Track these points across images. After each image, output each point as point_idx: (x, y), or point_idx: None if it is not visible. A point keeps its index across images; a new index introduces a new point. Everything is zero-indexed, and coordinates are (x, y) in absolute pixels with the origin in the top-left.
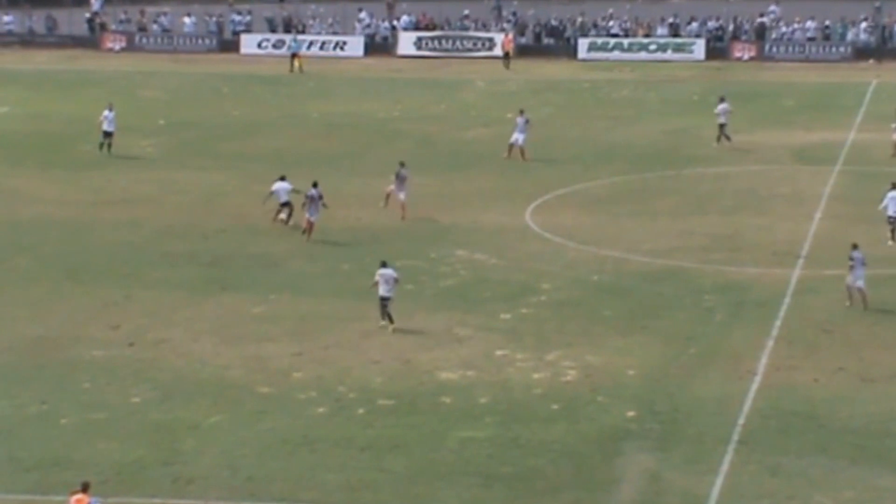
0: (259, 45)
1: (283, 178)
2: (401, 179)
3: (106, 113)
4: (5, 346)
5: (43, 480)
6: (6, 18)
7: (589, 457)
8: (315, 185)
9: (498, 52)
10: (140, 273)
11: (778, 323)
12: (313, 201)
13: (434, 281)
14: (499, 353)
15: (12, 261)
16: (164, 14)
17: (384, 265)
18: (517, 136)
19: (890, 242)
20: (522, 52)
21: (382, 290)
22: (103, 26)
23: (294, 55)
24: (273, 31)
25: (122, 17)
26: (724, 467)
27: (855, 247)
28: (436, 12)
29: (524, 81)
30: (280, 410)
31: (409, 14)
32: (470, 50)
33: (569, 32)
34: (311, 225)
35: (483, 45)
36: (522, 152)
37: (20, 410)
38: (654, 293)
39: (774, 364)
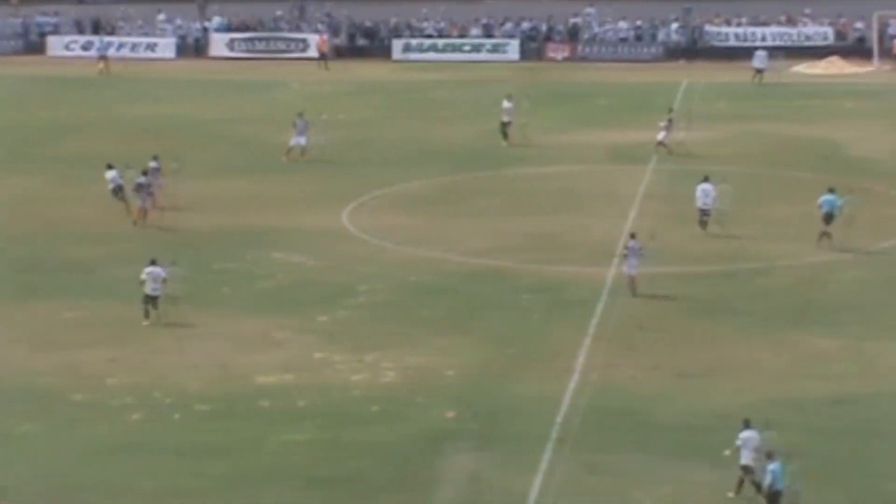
0: (67, 47)
1: (110, 167)
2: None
3: None
4: None
5: None
6: None
7: (409, 458)
8: (145, 172)
9: (312, 52)
10: None
11: (595, 321)
12: (143, 188)
13: (251, 283)
14: (317, 355)
15: None
16: None
17: (153, 263)
18: (298, 139)
19: (700, 230)
20: (338, 53)
21: (149, 289)
22: None
23: (102, 57)
24: (81, 32)
25: None
26: (543, 465)
27: (633, 236)
28: (248, 14)
29: (340, 82)
30: (95, 417)
31: (220, 15)
32: (283, 51)
33: (383, 33)
34: (144, 211)
35: (297, 46)
36: (303, 153)
37: None
38: (473, 293)
39: (592, 362)
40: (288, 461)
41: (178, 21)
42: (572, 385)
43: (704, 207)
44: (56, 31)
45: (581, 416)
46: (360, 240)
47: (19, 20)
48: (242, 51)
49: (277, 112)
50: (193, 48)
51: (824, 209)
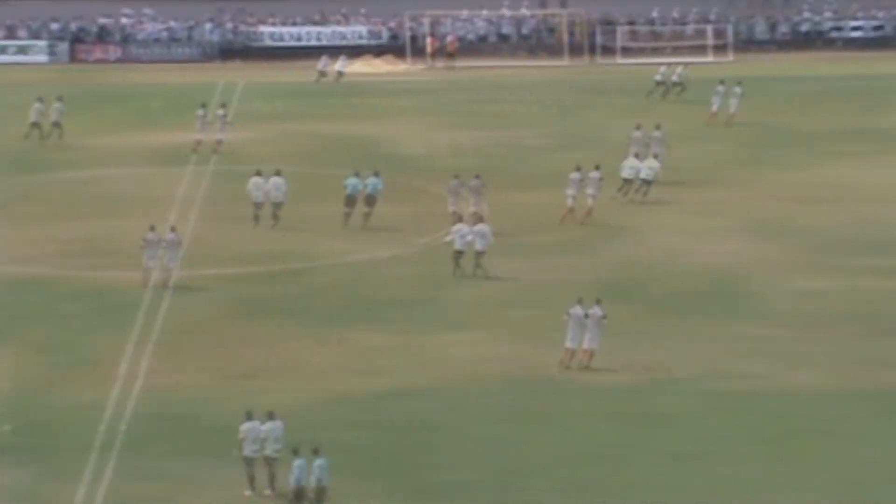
0: None
1: None
2: None
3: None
4: None
5: None
6: None
7: None
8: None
9: None
10: None
11: (138, 326)
12: None
13: None
14: None
15: None
16: None
17: None
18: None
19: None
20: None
21: None
22: None
23: None
24: None
25: None
26: (87, 475)
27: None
28: None
29: None
30: None
31: None
32: None
33: None
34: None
35: None
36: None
37: None
38: (14, 302)
39: (137, 368)
40: None
41: None
42: (116, 392)
43: (258, 202)
44: None
45: (127, 423)
46: None
47: None
48: None
49: None
50: None
51: (347, 191)
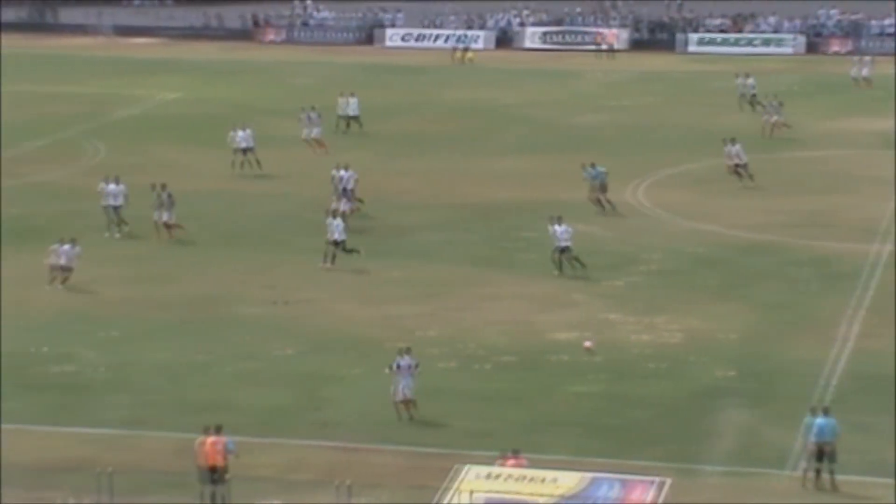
0: (402, 39)
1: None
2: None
3: (240, 132)
4: (174, 302)
5: (204, 421)
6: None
7: (688, 412)
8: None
9: (608, 45)
10: (291, 240)
11: (857, 293)
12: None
13: (550, 251)
14: (609, 316)
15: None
16: (318, 10)
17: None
18: (314, 130)
19: None
20: (633, 45)
21: (337, 235)
22: (265, 21)
23: (463, 48)
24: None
25: (278, 13)
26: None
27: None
28: (555, 10)
29: (631, 72)
30: None
31: (532, 11)
32: (585, 44)
33: (673, 27)
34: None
35: (591, 38)
36: (319, 144)
37: (186, 359)
38: (749, 265)
39: (850, 331)
40: (578, 410)
41: (499, 16)
42: (833, 351)
43: None
44: (392, 24)
45: (838, 379)
46: (648, 214)
47: (360, 14)
48: (552, 43)
49: (572, 98)
50: (508, 40)
51: None
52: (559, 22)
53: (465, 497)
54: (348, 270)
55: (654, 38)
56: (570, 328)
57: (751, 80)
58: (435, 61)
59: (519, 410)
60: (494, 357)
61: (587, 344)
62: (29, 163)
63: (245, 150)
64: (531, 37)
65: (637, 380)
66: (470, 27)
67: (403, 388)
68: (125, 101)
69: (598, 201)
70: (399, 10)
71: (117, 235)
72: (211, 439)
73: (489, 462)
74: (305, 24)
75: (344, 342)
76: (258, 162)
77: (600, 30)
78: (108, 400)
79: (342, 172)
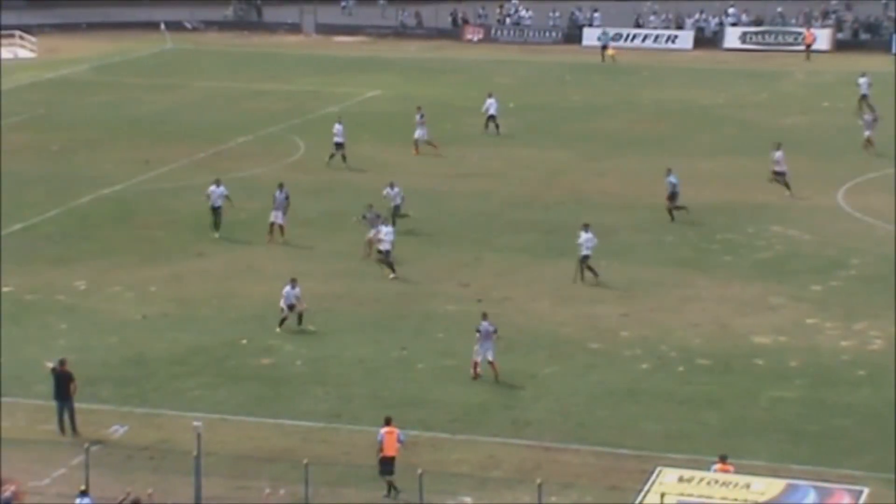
0: (597, 39)
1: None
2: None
3: (337, 126)
4: (372, 297)
5: (400, 417)
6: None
7: (889, 420)
8: (281, 186)
9: (818, 45)
10: (488, 238)
11: None
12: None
13: (750, 253)
14: (809, 321)
15: None
16: (517, 10)
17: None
18: (420, 133)
19: None
20: (840, 46)
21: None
22: (465, 20)
23: (604, 47)
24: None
25: (480, 11)
26: None
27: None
28: (758, 9)
29: (838, 74)
30: (608, 365)
31: (736, 10)
32: (786, 44)
33: (884, 28)
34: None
35: (794, 39)
36: (418, 145)
37: (383, 354)
38: None
39: None
40: (777, 415)
41: (697, 15)
42: None
43: None
44: (590, 23)
45: None
46: (853, 218)
47: (557, 13)
48: (752, 43)
49: (779, 99)
50: (709, 40)
51: None
52: (759, 22)
53: (655, 499)
54: (545, 269)
55: (863, 38)
56: (769, 332)
57: (864, 80)
58: (638, 60)
59: (715, 414)
60: (690, 359)
61: None
62: (233, 158)
63: (337, 145)
64: (730, 36)
65: (837, 386)
66: (667, 27)
67: (485, 350)
68: (328, 99)
69: (669, 210)
70: (595, 10)
71: (216, 236)
72: (387, 430)
73: (684, 465)
74: (503, 22)
75: (539, 341)
76: (343, 157)
77: (803, 30)
78: (306, 393)
79: (394, 190)
